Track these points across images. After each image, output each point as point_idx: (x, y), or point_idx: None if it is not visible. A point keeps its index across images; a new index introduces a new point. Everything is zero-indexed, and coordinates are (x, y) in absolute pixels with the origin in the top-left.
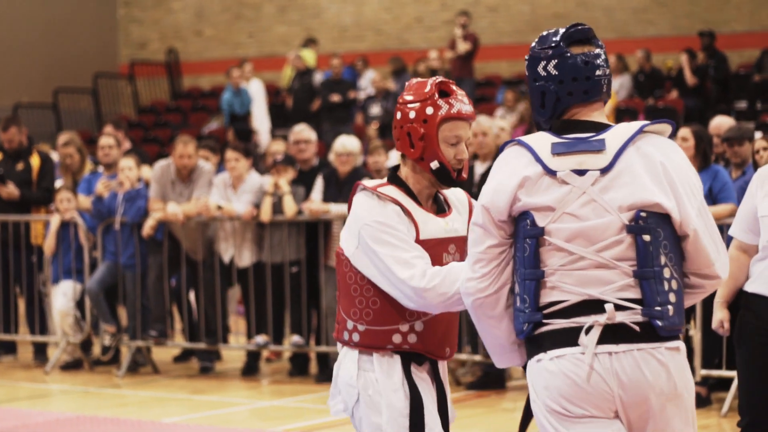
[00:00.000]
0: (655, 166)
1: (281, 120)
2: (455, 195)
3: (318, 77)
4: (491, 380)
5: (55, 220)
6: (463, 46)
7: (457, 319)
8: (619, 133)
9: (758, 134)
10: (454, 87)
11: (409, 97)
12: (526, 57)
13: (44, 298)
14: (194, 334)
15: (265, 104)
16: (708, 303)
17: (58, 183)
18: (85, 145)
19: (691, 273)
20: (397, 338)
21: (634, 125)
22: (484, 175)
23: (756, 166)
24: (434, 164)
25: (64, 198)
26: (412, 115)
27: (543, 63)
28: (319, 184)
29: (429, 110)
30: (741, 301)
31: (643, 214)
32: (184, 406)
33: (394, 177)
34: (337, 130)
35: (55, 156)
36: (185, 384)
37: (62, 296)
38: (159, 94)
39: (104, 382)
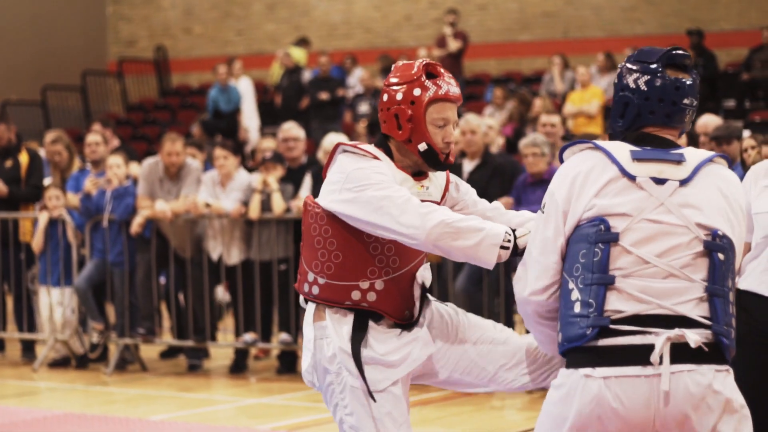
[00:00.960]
0: (724, 195)
1: (270, 118)
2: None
3: (307, 75)
4: None
5: (43, 218)
6: (454, 44)
7: (417, 282)
8: (695, 152)
9: (746, 133)
10: (441, 69)
11: (395, 79)
12: (621, 65)
13: (32, 296)
14: (182, 332)
15: (254, 102)
16: None
17: (47, 180)
18: (73, 142)
19: None
20: (356, 295)
21: (705, 151)
22: (473, 173)
23: (744, 164)
24: (422, 146)
25: (52, 195)
26: (399, 96)
27: (635, 75)
28: (307, 181)
29: (416, 91)
30: (736, 300)
31: (720, 232)
32: (172, 404)
33: (380, 142)
34: (325, 128)
35: (43, 153)
36: (173, 381)
37: (59, 306)
38: (147, 91)
39: (92, 380)
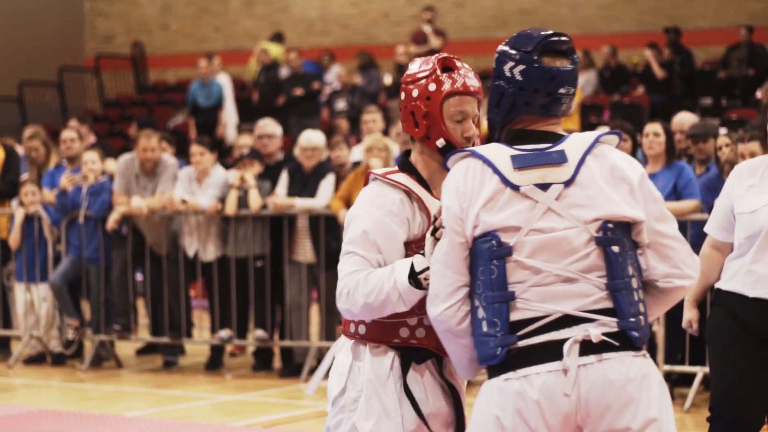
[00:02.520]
0: (615, 175)
1: (247, 114)
2: None
3: (284, 71)
4: None
5: (19, 214)
6: (435, 42)
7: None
8: (575, 143)
9: (723, 130)
10: (457, 62)
11: (408, 78)
12: (498, 50)
13: (8, 292)
14: (158, 329)
15: (232, 98)
16: None
17: (24, 176)
18: (50, 138)
19: (657, 279)
20: (404, 332)
21: (589, 135)
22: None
23: (718, 162)
24: (440, 142)
25: (28, 191)
26: (414, 93)
27: (510, 64)
28: (284, 178)
29: (432, 87)
30: (713, 299)
31: (609, 225)
32: (147, 401)
33: (404, 163)
34: (303, 124)
35: (20, 149)
36: (148, 378)
37: (44, 302)
38: (125, 87)
39: (67, 376)
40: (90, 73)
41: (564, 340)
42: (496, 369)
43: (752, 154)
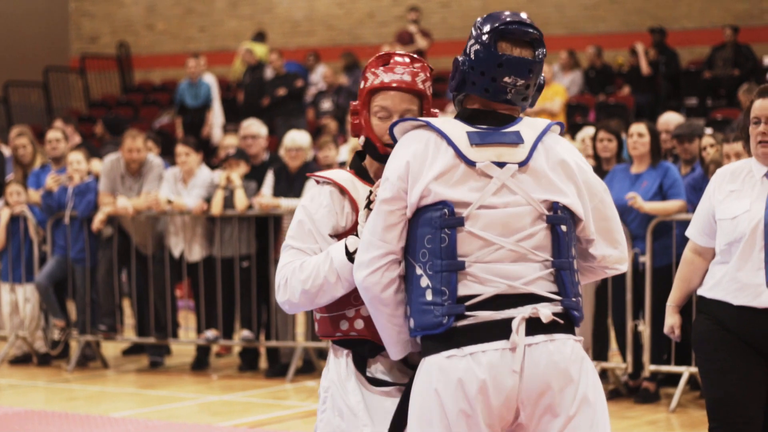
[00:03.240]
0: (562, 164)
1: (233, 114)
2: None
3: (269, 72)
4: None
5: (4, 214)
6: (422, 42)
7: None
8: (529, 126)
9: (708, 131)
10: (396, 58)
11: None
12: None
13: None
14: (144, 329)
15: (218, 98)
16: (658, 298)
17: (9, 177)
18: (36, 139)
19: (609, 266)
20: (343, 325)
21: (540, 122)
22: None
23: (702, 162)
24: (361, 140)
25: (14, 191)
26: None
27: (471, 42)
28: (269, 178)
29: (362, 84)
30: (698, 306)
31: (560, 205)
32: (134, 401)
33: (353, 161)
34: (290, 124)
35: (5, 150)
36: (135, 378)
37: (28, 302)
38: (110, 88)
39: (53, 377)
40: (75, 73)
41: (510, 319)
42: (437, 341)
43: (737, 155)
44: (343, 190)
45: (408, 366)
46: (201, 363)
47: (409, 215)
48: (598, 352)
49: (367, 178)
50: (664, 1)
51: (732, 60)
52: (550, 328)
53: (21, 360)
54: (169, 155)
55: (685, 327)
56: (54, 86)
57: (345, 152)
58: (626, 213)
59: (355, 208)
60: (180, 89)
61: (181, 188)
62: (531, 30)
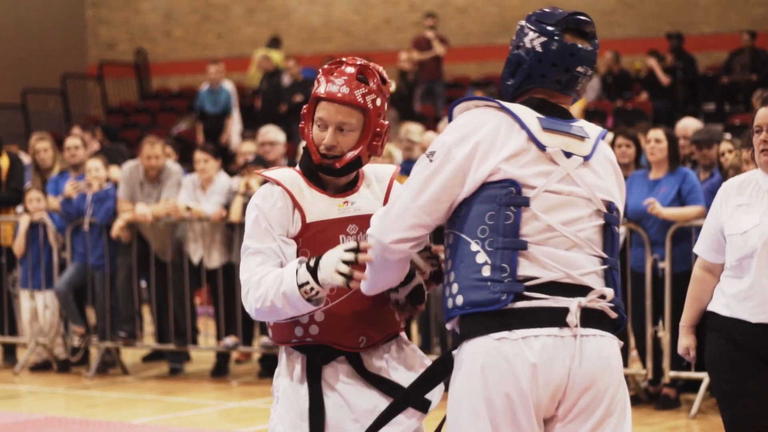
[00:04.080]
0: (613, 167)
1: (250, 121)
2: (377, 171)
3: (286, 79)
4: None
5: (24, 221)
6: (440, 48)
7: (371, 303)
8: (587, 125)
9: (727, 136)
10: (345, 67)
11: None
12: (521, 23)
13: (13, 299)
14: (163, 335)
15: (237, 105)
16: (678, 304)
17: (27, 185)
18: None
19: None
20: (298, 331)
21: (595, 126)
22: None
23: (721, 168)
24: (302, 145)
25: (33, 198)
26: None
27: (532, 36)
28: None
29: (313, 89)
30: (710, 323)
31: (615, 206)
32: (154, 407)
33: (302, 159)
34: None
35: (24, 157)
36: (154, 385)
37: (47, 309)
38: (128, 94)
39: (73, 383)
40: (93, 80)
41: (563, 308)
42: (487, 320)
43: None
44: (292, 197)
45: (360, 373)
46: (221, 369)
47: (469, 193)
48: None
49: (316, 179)
50: (682, 6)
51: (750, 65)
52: (600, 323)
53: (41, 366)
54: (187, 162)
55: (700, 329)
56: (72, 93)
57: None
58: (645, 219)
59: (302, 216)
60: (200, 95)
61: (199, 195)
62: (589, 21)
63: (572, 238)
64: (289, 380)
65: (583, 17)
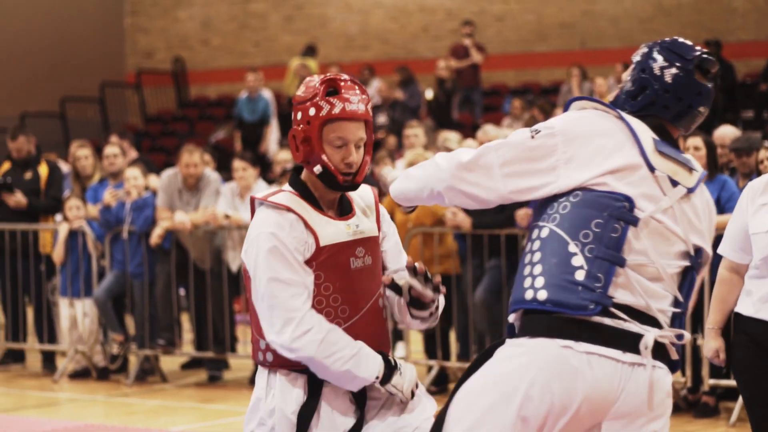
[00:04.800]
0: (710, 209)
1: (288, 128)
2: (360, 194)
3: None
4: None
5: (63, 229)
6: (477, 56)
7: (381, 322)
8: (695, 162)
9: (767, 143)
10: (344, 83)
11: (299, 97)
12: (648, 45)
13: (53, 307)
14: (202, 343)
15: (275, 113)
16: None
17: (66, 193)
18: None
19: None
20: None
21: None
22: None
23: (760, 175)
24: (317, 169)
25: (73, 206)
26: (299, 116)
27: (664, 64)
28: None
29: (311, 111)
30: (736, 325)
31: (703, 252)
32: (193, 415)
33: (294, 180)
34: None
35: (63, 166)
36: (193, 393)
37: (86, 317)
38: (166, 103)
39: (112, 391)
40: (131, 88)
41: (636, 335)
42: (562, 324)
43: None
44: (300, 218)
45: (356, 397)
46: None
47: (562, 190)
48: None
49: (312, 200)
50: (720, 13)
51: None
52: (662, 358)
53: (80, 374)
54: (225, 170)
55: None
56: (110, 101)
57: (400, 167)
58: None
59: (315, 240)
60: (238, 104)
61: (238, 203)
62: (716, 62)
63: (661, 270)
64: (283, 403)
65: (712, 58)
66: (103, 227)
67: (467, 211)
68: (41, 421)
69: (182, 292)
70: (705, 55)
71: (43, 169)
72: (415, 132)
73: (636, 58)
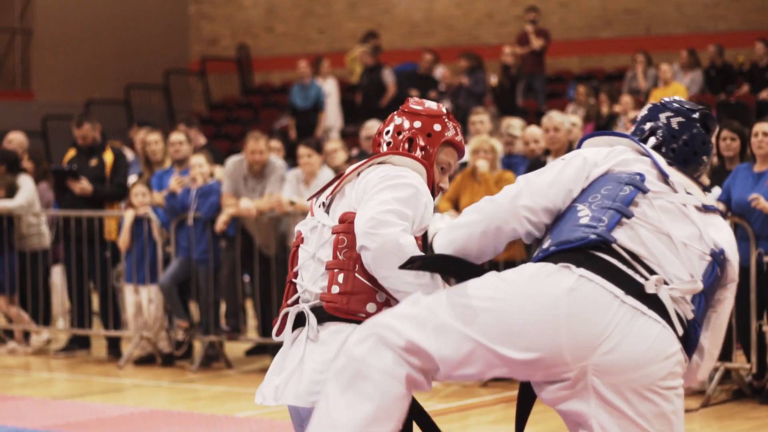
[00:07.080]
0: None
1: (351, 115)
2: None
3: (387, 73)
4: None
5: (129, 216)
6: (537, 42)
7: None
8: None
9: None
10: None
11: (417, 107)
12: (653, 103)
13: (118, 294)
14: (267, 329)
15: (337, 100)
16: None
17: (131, 179)
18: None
19: None
20: (371, 307)
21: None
22: None
23: None
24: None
25: (138, 192)
26: (417, 124)
27: (670, 114)
28: None
29: (437, 126)
30: None
31: (724, 255)
32: None
33: None
34: None
35: (128, 153)
36: (258, 379)
37: (151, 303)
38: (230, 90)
39: (177, 377)
40: (195, 75)
41: (637, 281)
42: (565, 254)
43: None
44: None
45: None
46: None
47: (588, 183)
48: (722, 352)
49: None
50: None
51: None
52: (664, 316)
53: (145, 360)
54: (288, 157)
55: None
56: (174, 89)
57: (466, 155)
58: (749, 213)
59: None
60: (292, 92)
61: (303, 189)
62: (717, 122)
63: (676, 241)
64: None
65: (713, 117)
66: (168, 214)
67: None
68: (106, 407)
69: (247, 278)
70: (711, 115)
71: (108, 156)
72: (481, 118)
73: (643, 112)
